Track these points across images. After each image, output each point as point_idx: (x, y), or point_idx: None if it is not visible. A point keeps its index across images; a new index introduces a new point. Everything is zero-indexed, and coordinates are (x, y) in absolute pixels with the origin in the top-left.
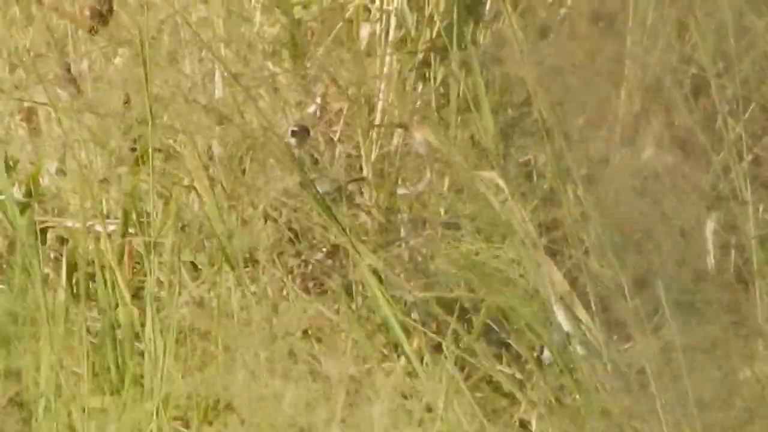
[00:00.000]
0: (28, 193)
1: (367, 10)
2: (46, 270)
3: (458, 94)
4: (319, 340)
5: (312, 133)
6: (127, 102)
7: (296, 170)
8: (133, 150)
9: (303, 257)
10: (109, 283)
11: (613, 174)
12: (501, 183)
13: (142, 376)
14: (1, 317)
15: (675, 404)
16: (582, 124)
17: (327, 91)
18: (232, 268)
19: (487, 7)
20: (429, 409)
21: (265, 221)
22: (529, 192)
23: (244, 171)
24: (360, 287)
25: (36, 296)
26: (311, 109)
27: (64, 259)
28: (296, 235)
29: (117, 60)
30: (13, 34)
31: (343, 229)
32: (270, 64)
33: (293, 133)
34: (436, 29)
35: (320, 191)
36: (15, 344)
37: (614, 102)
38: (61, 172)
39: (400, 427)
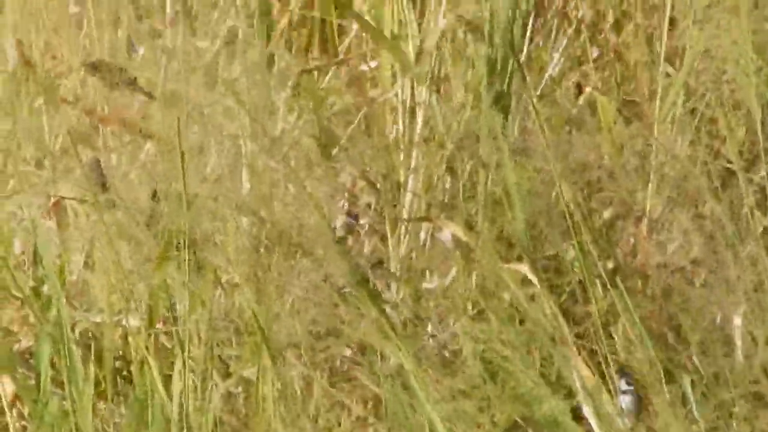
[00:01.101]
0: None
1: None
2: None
3: (485, 187)
4: None
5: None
6: (155, 196)
7: (344, 259)
8: (161, 243)
9: (331, 352)
10: (137, 379)
11: (640, 267)
12: (531, 276)
13: None
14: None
15: None
16: (609, 217)
17: (355, 185)
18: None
19: (514, 99)
20: None
21: (294, 316)
22: (557, 286)
23: (270, 266)
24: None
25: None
26: (340, 203)
27: (92, 354)
28: (324, 330)
29: (146, 149)
30: (40, 126)
31: (389, 326)
32: (297, 158)
33: (344, 222)
34: (463, 121)
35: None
36: None
37: (641, 194)
38: (89, 265)
39: None
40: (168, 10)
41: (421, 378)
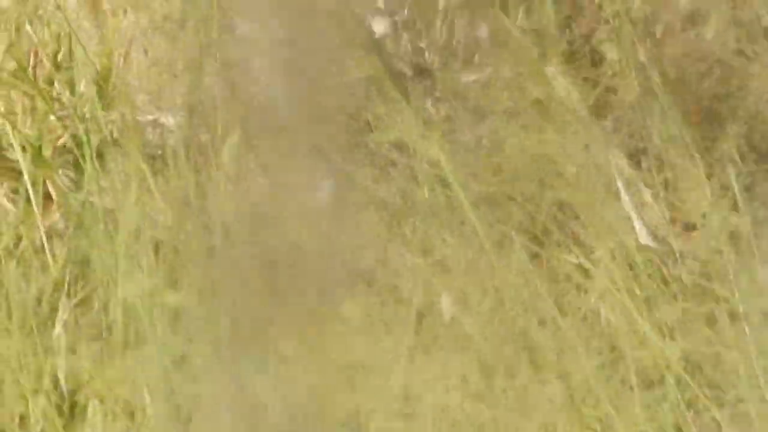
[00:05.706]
0: (98, 87)
1: None
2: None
3: None
4: None
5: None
6: None
7: (374, 54)
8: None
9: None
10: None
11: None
12: (561, 80)
13: None
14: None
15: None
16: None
17: None
18: None
19: None
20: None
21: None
22: (593, 77)
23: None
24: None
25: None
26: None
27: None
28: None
29: None
30: None
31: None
32: None
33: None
34: None
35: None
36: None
37: None
38: (128, 64)
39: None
40: None
41: (458, 174)
